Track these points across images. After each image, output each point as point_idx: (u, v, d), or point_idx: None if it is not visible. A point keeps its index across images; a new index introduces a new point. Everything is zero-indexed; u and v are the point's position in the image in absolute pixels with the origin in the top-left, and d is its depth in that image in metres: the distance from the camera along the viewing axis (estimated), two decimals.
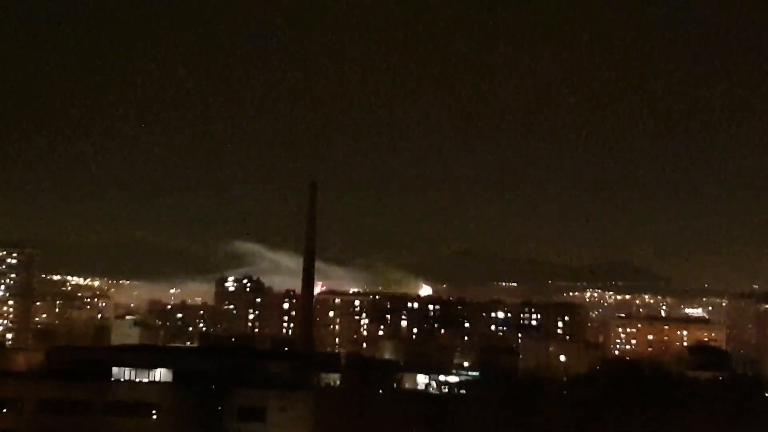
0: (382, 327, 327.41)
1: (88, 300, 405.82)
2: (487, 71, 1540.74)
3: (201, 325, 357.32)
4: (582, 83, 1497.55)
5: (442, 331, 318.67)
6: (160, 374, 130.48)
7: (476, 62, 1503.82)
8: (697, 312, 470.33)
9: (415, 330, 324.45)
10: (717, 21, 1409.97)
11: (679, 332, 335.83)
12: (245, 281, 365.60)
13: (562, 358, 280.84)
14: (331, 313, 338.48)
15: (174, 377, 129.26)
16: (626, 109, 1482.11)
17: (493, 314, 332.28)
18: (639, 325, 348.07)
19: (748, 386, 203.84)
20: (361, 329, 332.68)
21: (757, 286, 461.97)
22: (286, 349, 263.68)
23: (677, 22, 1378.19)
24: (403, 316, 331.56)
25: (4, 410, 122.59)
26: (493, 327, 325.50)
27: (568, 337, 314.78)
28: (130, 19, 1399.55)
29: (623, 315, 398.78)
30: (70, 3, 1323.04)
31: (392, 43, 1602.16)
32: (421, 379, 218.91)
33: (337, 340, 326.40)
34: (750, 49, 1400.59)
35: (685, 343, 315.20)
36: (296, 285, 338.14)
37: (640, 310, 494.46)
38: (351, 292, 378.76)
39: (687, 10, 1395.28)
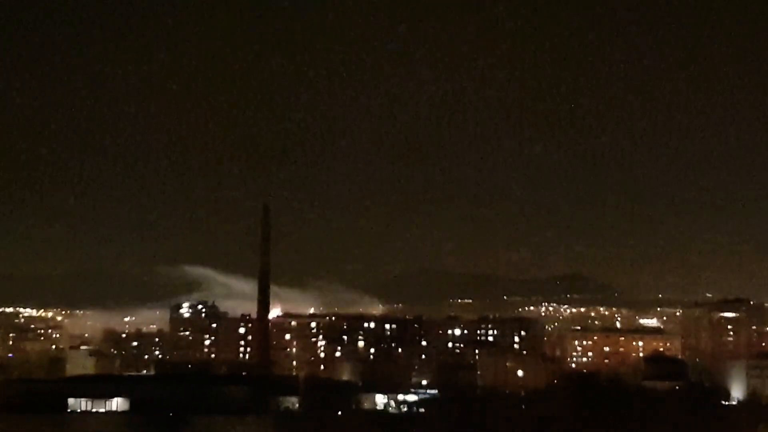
0: (339, 348, 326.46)
1: (42, 331, 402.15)
2: (437, 88, 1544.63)
3: (157, 352, 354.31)
4: (535, 98, 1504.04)
5: (399, 350, 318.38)
6: (117, 404, 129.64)
7: (427, 78, 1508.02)
8: (651, 322, 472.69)
9: (372, 350, 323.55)
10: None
11: (634, 343, 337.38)
12: (200, 307, 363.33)
13: (520, 372, 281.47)
14: (288, 336, 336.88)
15: (131, 406, 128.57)
16: (579, 124, 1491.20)
17: (449, 331, 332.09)
18: (595, 338, 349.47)
19: (705, 394, 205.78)
20: (318, 351, 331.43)
21: (710, 295, 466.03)
22: (244, 373, 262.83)
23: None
24: (360, 337, 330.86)
25: None
26: (450, 344, 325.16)
27: (525, 352, 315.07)
28: (82, 42, 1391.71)
29: (579, 328, 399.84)
30: None
31: (343, 64, 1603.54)
32: (380, 399, 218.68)
33: (294, 362, 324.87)
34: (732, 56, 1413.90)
35: (641, 354, 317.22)
36: (250, 309, 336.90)
37: (596, 322, 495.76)
38: (307, 314, 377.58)
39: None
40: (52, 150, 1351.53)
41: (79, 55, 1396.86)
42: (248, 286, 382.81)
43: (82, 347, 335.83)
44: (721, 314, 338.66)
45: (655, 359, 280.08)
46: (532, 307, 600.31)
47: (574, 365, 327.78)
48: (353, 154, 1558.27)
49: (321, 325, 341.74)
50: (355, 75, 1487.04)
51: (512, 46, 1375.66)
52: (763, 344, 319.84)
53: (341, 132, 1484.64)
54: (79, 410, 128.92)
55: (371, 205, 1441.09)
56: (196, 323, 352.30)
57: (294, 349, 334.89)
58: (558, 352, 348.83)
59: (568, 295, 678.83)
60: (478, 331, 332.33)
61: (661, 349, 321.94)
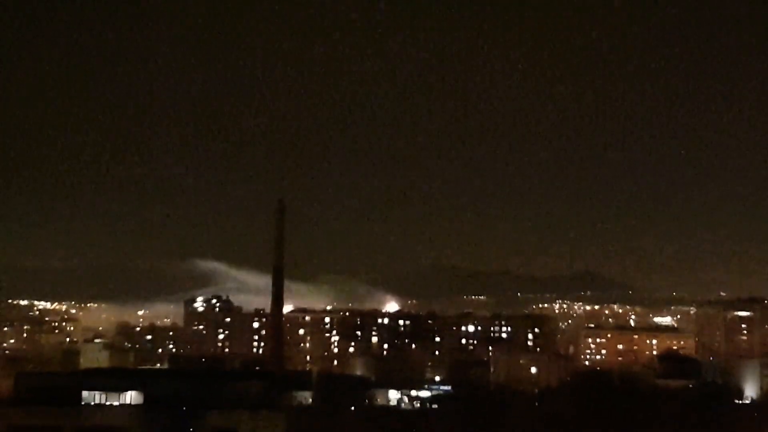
0: (352, 344, 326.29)
1: (56, 324, 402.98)
2: (457, 85, 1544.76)
3: (171, 346, 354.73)
4: (550, 97, 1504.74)
5: (413, 346, 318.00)
6: (131, 397, 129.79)
7: (446, 77, 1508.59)
8: (665, 321, 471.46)
9: (385, 346, 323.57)
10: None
11: (648, 341, 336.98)
12: (214, 301, 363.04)
13: (533, 370, 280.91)
14: (301, 331, 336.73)
15: (145, 400, 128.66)
16: (592, 123, 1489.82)
17: (463, 328, 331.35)
18: (608, 335, 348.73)
19: (718, 393, 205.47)
20: (332, 346, 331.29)
21: (724, 294, 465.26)
22: (257, 368, 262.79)
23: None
24: (374, 332, 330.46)
25: None
26: (463, 340, 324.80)
27: (538, 349, 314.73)
28: (101, 36, 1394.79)
29: (592, 325, 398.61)
30: None
31: (356, 60, 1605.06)
32: (393, 395, 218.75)
33: (307, 357, 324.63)
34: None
35: (654, 352, 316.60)
36: (262, 303, 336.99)
37: (609, 320, 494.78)
38: (320, 309, 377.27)
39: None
40: (67, 147, 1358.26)
41: (91, 53, 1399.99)
42: (261, 281, 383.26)
43: (96, 340, 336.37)
44: (735, 313, 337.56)
45: (668, 357, 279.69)
46: (545, 305, 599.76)
47: (587, 363, 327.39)
48: (370, 152, 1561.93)
49: (335, 320, 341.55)
50: (369, 77, 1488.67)
51: (522, 51, 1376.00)
52: None
53: (358, 129, 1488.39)
54: (92, 403, 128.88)
55: (387, 202, 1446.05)
56: (209, 317, 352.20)
57: (307, 345, 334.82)
58: (571, 350, 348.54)
59: (582, 293, 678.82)
60: (492, 328, 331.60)
61: (675, 348, 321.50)
